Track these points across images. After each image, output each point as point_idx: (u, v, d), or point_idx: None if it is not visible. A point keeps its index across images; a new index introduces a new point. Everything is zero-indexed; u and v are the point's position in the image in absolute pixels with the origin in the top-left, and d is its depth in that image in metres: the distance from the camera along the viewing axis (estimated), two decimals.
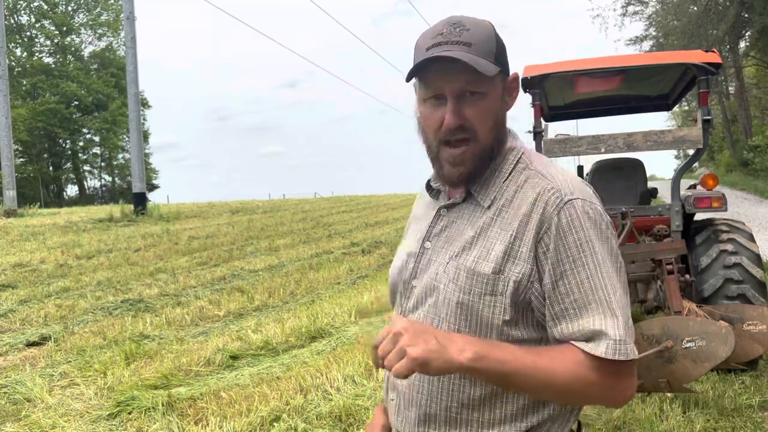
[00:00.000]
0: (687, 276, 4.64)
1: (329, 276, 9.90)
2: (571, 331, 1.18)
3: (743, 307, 4.03)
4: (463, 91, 1.22)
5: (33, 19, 47.22)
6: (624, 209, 5.00)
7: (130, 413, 4.46)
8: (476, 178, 1.28)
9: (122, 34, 36.65)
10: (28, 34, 47.16)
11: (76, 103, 45.65)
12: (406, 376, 1.09)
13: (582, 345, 1.17)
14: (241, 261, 11.55)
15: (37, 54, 47.23)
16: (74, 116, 45.59)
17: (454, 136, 1.23)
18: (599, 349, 1.15)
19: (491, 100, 1.25)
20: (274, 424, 4.11)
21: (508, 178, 1.28)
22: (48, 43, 47.86)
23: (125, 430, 4.26)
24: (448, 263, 1.26)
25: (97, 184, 51.79)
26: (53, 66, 46.47)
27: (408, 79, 1.26)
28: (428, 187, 1.40)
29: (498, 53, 1.25)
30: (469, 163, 1.25)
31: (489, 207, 1.26)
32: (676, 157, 71.52)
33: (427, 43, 1.23)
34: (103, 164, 51.03)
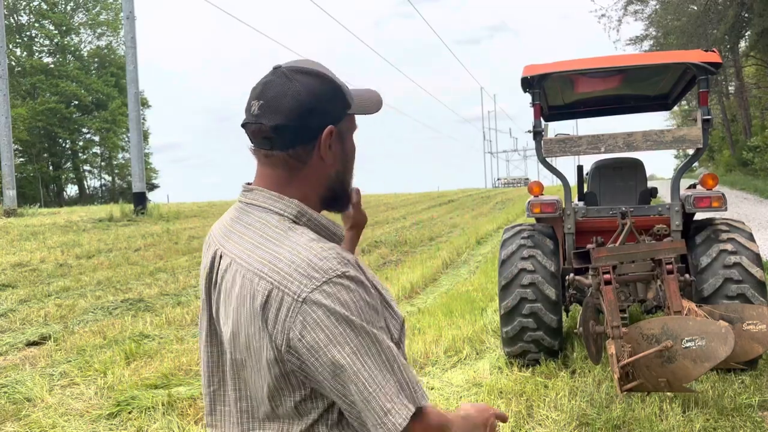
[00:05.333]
0: (687, 276, 4.64)
1: None
2: None
3: (743, 306, 4.04)
4: None
5: (33, 19, 47.20)
6: (624, 209, 5.00)
7: (130, 413, 4.47)
8: None
9: (122, 34, 36.68)
10: (28, 34, 47.11)
11: (76, 102, 45.61)
12: None
13: None
14: None
15: (37, 54, 47.21)
16: (74, 116, 45.54)
17: None
18: None
19: None
20: None
21: None
22: (48, 42, 47.82)
23: (125, 430, 4.26)
24: None
25: (97, 184, 51.77)
26: (53, 66, 46.44)
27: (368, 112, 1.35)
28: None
29: None
30: None
31: None
32: (676, 157, 71.56)
33: (345, 85, 1.35)
34: (103, 164, 50.99)
